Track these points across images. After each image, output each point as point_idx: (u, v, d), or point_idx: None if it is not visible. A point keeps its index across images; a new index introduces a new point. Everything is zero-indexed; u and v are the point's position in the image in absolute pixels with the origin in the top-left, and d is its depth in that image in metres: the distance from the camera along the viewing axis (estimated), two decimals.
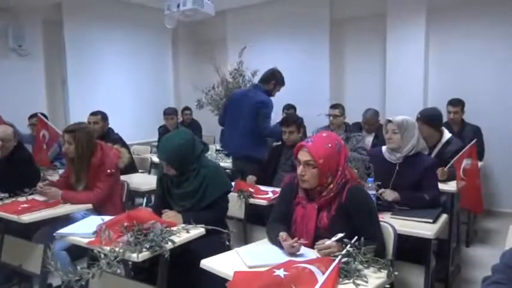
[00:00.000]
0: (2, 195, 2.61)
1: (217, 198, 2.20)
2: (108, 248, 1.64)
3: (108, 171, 2.62)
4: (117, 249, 1.62)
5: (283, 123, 3.17)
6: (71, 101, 5.21)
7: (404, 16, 4.80)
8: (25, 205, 2.40)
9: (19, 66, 4.74)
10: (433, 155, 2.97)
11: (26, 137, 4.32)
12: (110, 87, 5.57)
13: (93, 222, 1.93)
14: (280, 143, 3.32)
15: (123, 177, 3.03)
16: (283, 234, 1.66)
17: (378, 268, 1.49)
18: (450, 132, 3.18)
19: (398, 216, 2.11)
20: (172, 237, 1.78)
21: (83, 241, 1.81)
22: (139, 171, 4.06)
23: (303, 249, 1.63)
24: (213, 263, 1.59)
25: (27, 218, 2.25)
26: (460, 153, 2.51)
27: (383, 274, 1.46)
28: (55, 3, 4.89)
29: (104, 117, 3.78)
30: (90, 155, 2.62)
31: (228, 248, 1.91)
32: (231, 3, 5.75)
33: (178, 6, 3.73)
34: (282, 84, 3.56)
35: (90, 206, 2.53)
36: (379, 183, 2.20)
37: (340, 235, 1.57)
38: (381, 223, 1.80)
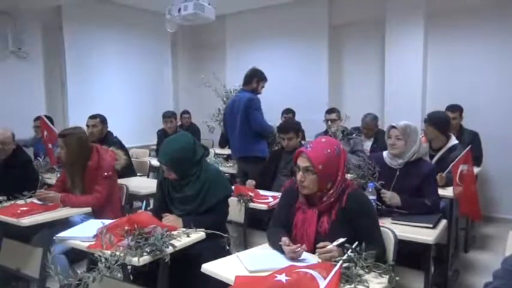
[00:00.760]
0: (1, 198, 2.60)
1: (218, 202, 2.19)
2: (108, 251, 1.63)
3: (105, 173, 2.62)
4: (117, 253, 1.62)
5: (280, 131, 3.19)
6: (70, 104, 5.20)
7: (402, 21, 4.83)
8: (24, 208, 2.39)
9: (18, 69, 4.73)
10: (435, 158, 2.98)
11: (27, 141, 4.32)
12: (109, 91, 5.57)
13: (93, 226, 1.92)
14: (279, 147, 3.34)
15: (122, 181, 3.03)
16: (286, 240, 1.66)
17: (379, 273, 1.49)
18: None
19: (398, 222, 2.12)
20: (172, 241, 1.77)
21: (83, 245, 1.81)
22: (138, 174, 4.06)
23: (304, 254, 1.63)
24: (214, 268, 1.59)
25: (26, 221, 2.24)
26: (457, 159, 2.53)
27: (384, 279, 1.47)
28: (55, 6, 4.89)
29: (103, 120, 3.78)
30: (83, 160, 2.61)
31: (228, 253, 1.91)
32: (231, 8, 5.78)
33: (179, 10, 3.74)
34: (264, 79, 3.72)
35: (89, 209, 2.52)
36: (383, 182, 2.20)
37: (341, 240, 1.58)
38: (382, 228, 1.80)
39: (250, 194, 2.70)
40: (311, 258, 1.61)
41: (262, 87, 3.72)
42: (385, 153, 2.46)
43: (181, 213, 2.17)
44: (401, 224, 2.09)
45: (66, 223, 2.40)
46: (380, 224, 1.84)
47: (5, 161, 2.88)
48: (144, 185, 3.38)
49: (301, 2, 5.48)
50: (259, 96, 3.67)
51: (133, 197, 3.40)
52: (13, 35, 4.63)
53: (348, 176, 2.19)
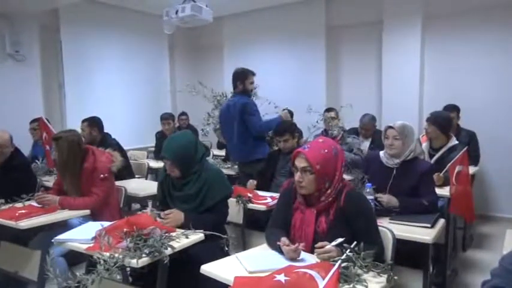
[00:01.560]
0: None
1: (218, 202, 2.20)
2: (107, 253, 1.63)
3: (102, 175, 2.61)
4: (116, 255, 1.62)
5: (276, 133, 3.19)
6: (67, 106, 5.19)
7: (400, 23, 4.84)
8: (22, 211, 2.39)
9: (16, 72, 4.72)
10: (434, 158, 2.99)
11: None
12: (106, 93, 5.56)
13: (92, 228, 1.92)
14: (277, 148, 3.34)
15: (120, 183, 3.03)
16: (285, 240, 1.67)
17: (377, 273, 1.49)
18: None
19: (396, 221, 2.12)
20: (171, 243, 1.77)
21: (82, 247, 1.80)
22: (136, 176, 4.05)
23: (303, 254, 1.64)
24: (213, 269, 1.59)
25: (24, 224, 2.24)
26: (454, 160, 2.54)
27: (383, 279, 1.47)
28: (52, 8, 4.88)
29: (91, 123, 3.75)
30: (76, 163, 2.61)
31: (227, 254, 1.91)
32: (229, 9, 5.79)
33: (176, 12, 3.75)
34: (248, 76, 3.55)
35: (87, 212, 2.52)
36: (374, 187, 2.21)
37: (340, 240, 1.58)
38: (380, 228, 1.81)
39: (249, 194, 2.70)
40: (310, 258, 1.61)
41: (251, 83, 3.57)
42: (381, 153, 2.47)
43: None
44: (400, 224, 2.10)
45: (64, 226, 2.39)
46: (378, 224, 1.84)
47: (3, 164, 2.87)
48: (142, 187, 3.38)
49: (299, 4, 5.49)
50: (257, 96, 3.66)
51: (132, 199, 3.40)
52: (10, 38, 4.62)
53: (346, 177, 2.19)
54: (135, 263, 1.62)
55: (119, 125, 4.88)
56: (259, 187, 3.09)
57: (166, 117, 5.04)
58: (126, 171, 3.59)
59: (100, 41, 5.51)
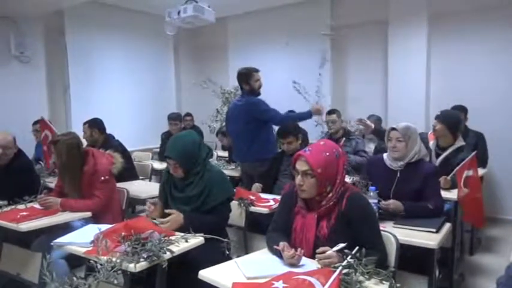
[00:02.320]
0: (1, 202, 2.59)
1: (219, 204, 2.18)
2: (105, 257, 1.61)
3: (102, 178, 2.60)
4: (114, 259, 1.60)
5: (279, 135, 3.16)
6: (72, 108, 5.22)
7: (405, 23, 4.79)
8: (24, 213, 2.38)
9: (21, 73, 4.75)
10: (441, 157, 2.93)
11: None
12: (111, 94, 5.58)
13: (91, 231, 1.91)
14: (280, 150, 3.31)
15: (123, 185, 3.02)
16: (282, 245, 1.64)
17: (379, 280, 1.45)
18: None
19: (400, 226, 2.08)
20: (170, 247, 1.75)
21: (81, 250, 1.79)
22: (140, 178, 4.05)
23: (303, 260, 1.60)
24: (212, 274, 1.57)
25: (25, 226, 2.23)
26: (462, 164, 2.48)
27: (385, 286, 1.43)
28: (57, 10, 4.90)
29: (92, 125, 3.76)
30: (75, 166, 2.59)
31: (228, 257, 1.89)
32: (232, 10, 5.77)
33: (178, 13, 3.74)
34: (251, 74, 3.45)
35: (89, 214, 2.51)
36: (378, 191, 2.17)
37: (341, 245, 1.55)
38: (383, 232, 1.77)
39: (251, 197, 2.67)
40: (310, 264, 1.58)
41: (256, 80, 3.45)
42: (385, 155, 2.42)
43: (182, 212, 2.15)
44: (404, 228, 2.05)
45: (66, 228, 2.38)
46: (381, 228, 1.80)
47: (6, 165, 2.87)
48: (145, 188, 3.37)
49: (303, 4, 5.45)
50: (262, 95, 3.55)
51: (135, 201, 3.39)
52: (16, 40, 4.65)
53: (348, 179, 2.16)
54: (132, 267, 1.60)
55: (123, 126, 4.90)
56: (262, 189, 3.06)
57: (174, 117, 5.03)
58: (128, 172, 3.58)
59: (105, 42, 5.53)
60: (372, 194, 2.09)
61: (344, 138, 3.72)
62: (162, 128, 5.25)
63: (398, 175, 2.32)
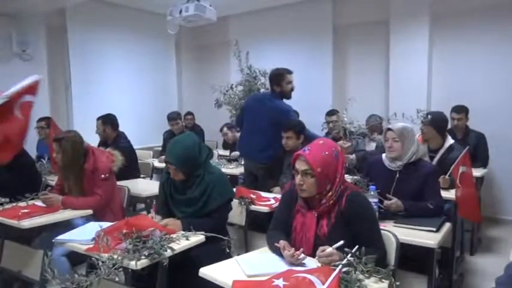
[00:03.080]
0: (3, 200, 2.61)
1: (219, 206, 2.18)
2: (106, 255, 1.62)
3: (103, 176, 2.61)
4: (115, 256, 1.61)
5: (283, 128, 3.14)
6: (74, 106, 5.22)
7: (407, 22, 4.78)
8: (25, 210, 2.39)
9: (23, 71, 4.70)
10: (435, 160, 2.95)
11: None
12: (113, 92, 5.58)
13: (93, 228, 1.92)
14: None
15: (124, 183, 3.03)
16: (282, 243, 1.64)
17: (379, 278, 1.46)
18: (454, 139, 3.16)
19: (401, 225, 2.08)
20: (171, 245, 1.76)
21: (82, 248, 1.80)
22: (141, 176, 4.06)
23: (302, 257, 1.60)
24: (212, 272, 1.57)
25: (27, 223, 2.24)
26: (456, 161, 2.49)
27: (385, 284, 1.43)
28: (59, 8, 4.90)
29: (105, 121, 3.78)
30: (78, 163, 2.60)
31: (229, 256, 1.89)
32: (234, 9, 5.77)
33: (180, 12, 3.74)
34: (285, 77, 3.38)
35: (90, 211, 2.52)
36: (378, 190, 2.17)
37: (341, 242, 1.55)
38: (383, 232, 1.77)
39: (252, 196, 2.68)
40: (310, 263, 1.59)
41: (289, 83, 3.36)
42: (384, 156, 2.42)
43: (182, 215, 2.16)
44: (404, 227, 2.06)
45: (68, 225, 2.39)
46: (382, 227, 1.81)
47: (9, 163, 2.88)
48: (146, 187, 3.38)
49: (305, 3, 5.45)
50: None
51: (136, 199, 3.40)
52: (17, 37, 4.65)
53: (349, 178, 2.16)
54: (133, 264, 1.61)
55: (125, 124, 4.87)
56: (263, 188, 3.07)
57: (174, 117, 5.00)
58: (130, 171, 3.59)
59: (106, 40, 5.53)
60: (372, 193, 2.09)
61: (345, 139, 3.70)
62: (163, 126, 5.25)
63: (397, 175, 2.32)
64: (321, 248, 1.58)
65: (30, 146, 4.14)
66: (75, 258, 2.35)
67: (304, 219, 1.75)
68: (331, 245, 1.57)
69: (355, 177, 2.70)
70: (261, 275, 1.48)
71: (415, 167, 2.30)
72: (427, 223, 2.06)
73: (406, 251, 1.83)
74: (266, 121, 3.29)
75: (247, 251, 2.44)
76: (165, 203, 2.29)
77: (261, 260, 1.67)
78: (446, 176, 2.65)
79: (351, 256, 1.48)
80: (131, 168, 3.70)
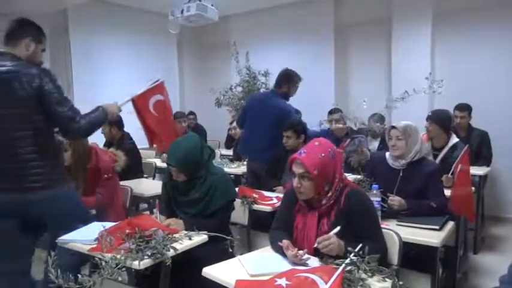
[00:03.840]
0: None
1: (222, 206, 2.18)
2: (109, 255, 1.62)
3: (105, 176, 2.61)
4: (118, 256, 1.61)
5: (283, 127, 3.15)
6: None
7: (409, 21, 4.77)
8: None
9: None
10: (439, 158, 2.94)
11: None
12: (115, 92, 5.53)
13: (95, 228, 1.92)
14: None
15: (127, 183, 3.03)
16: (285, 242, 1.64)
17: (382, 277, 1.45)
18: (457, 137, 3.15)
19: (404, 224, 2.08)
20: (174, 244, 1.76)
21: (85, 248, 1.80)
22: (144, 176, 4.06)
23: (305, 257, 1.60)
24: (215, 271, 1.57)
25: None
26: (457, 160, 2.48)
27: (388, 283, 1.43)
28: (61, 9, 4.92)
29: (111, 122, 3.75)
30: (86, 162, 2.61)
31: (232, 255, 1.89)
32: (235, 8, 5.77)
33: (182, 11, 3.75)
34: (295, 82, 3.48)
35: (92, 211, 2.53)
36: (382, 189, 2.17)
37: (337, 228, 1.57)
38: (386, 230, 1.77)
39: (255, 195, 2.67)
40: (312, 262, 1.59)
41: (296, 88, 3.48)
42: (387, 154, 2.42)
43: (185, 216, 2.16)
44: (407, 226, 2.05)
45: None
46: (385, 226, 1.81)
47: None
48: (149, 186, 3.38)
49: (306, 2, 5.45)
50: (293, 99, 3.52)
51: (139, 199, 3.40)
52: None
53: (351, 177, 2.15)
54: (136, 264, 1.61)
55: (127, 124, 4.88)
56: (266, 187, 3.06)
57: (179, 117, 5.00)
58: (134, 171, 3.60)
59: (108, 41, 5.54)
60: (374, 192, 2.09)
61: (348, 138, 3.70)
62: None
63: (400, 174, 2.31)
64: (319, 238, 1.58)
65: None
66: (80, 258, 2.36)
67: (306, 219, 1.75)
68: None
69: (358, 176, 2.69)
70: (264, 274, 1.48)
71: (419, 165, 2.29)
72: (430, 222, 2.05)
73: (410, 249, 1.83)
74: (268, 120, 3.31)
75: (250, 250, 2.43)
76: (168, 203, 2.29)
77: (264, 260, 1.67)
78: (449, 175, 2.64)
79: (354, 255, 1.47)
80: (135, 168, 3.71)
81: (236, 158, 4.47)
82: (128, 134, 3.92)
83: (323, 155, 1.67)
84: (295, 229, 1.78)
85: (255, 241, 2.58)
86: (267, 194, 2.81)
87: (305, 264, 1.57)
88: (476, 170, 3.31)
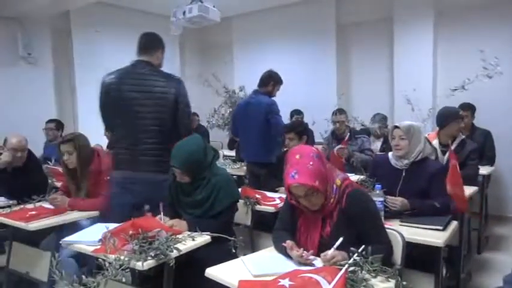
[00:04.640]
0: (11, 202, 2.63)
1: (225, 208, 2.18)
2: (113, 256, 1.63)
3: (108, 177, 2.62)
4: (122, 257, 1.61)
5: (284, 128, 3.21)
6: (79, 109, 5.26)
7: (411, 20, 4.76)
8: (33, 212, 2.41)
9: (28, 74, 4.80)
10: (447, 154, 2.92)
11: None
12: None
13: (99, 229, 1.93)
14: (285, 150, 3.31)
15: None
16: (289, 243, 1.64)
17: (386, 277, 1.45)
18: None
19: (407, 224, 2.07)
20: (177, 245, 1.76)
21: (89, 249, 1.81)
22: None
23: (312, 258, 1.60)
24: (218, 272, 1.58)
25: (34, 225, 2.26)
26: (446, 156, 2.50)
27: (391, 284, 1.43)
28: (63, 11, 4.95)
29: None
30: (89, 163, 2.62)
31: (235, 256, 1.89)
32: (237, 9, 5.78)
33: (184, 13, 3.75)
34: (280, 83, 3.65)
35: (96, 213, 2.53)
36: (385, 189, 2.16)
37: (340, 240, 1.55)
38: (389, 230, 1.76)
39: (257, 196, 2.68)
40: (316, 262, 1.58)
41: (278, 90, 3.63)
42: (390, 154, 2.41)
43: (189, 217, 2.16)
44: (411, 226, 2.05)
45: (74, 227, 2.41)
46: (388, 226, 1.80)
47: (18, 166, 2.91)
48: None
49: (308, 2, 5.45)
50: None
51: None
52: (23, 41, 4.71)
53: (354, 177, 2.14)
54: (140, 265, 1.61)
55: None
56: (268, 188, 3.06)
57: None
58: None
59: (111, 42, 5.55)
60: (377, 192, 2.08)
61: (347, 137, 3.71)
62: None
63: (403, 174, 2.30)
64: (322, 254, 1.56)
65: (37, 148, 4.18)
66: (83, 260, 2.38)
67: (309, 220, 1.74)
68: (334, 244, 1.56)
69: (361, 176, 2.69)
70: (267, 275, 1.48)
71: (421, 165, 2.28)
72: (434, 222, 2.04)
73: (413, 249, 1.82)
74: (258, 119, 3.43)
75: (253, 251, 2.44)
76: (172, 205, 2.30)
77: (267, 260, 1.67)
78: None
79: (358, 256, 1.47)
80: None
81: (238, 158, 4.48)
82: None
83: (311, 163, 1.64)
84: (297, 230, 1.78)
85: (258, 242, 2.58)
86: (269, 194, 2.81)
87: (311, 264, 1.57)
88: (479, 170, 3.30)
